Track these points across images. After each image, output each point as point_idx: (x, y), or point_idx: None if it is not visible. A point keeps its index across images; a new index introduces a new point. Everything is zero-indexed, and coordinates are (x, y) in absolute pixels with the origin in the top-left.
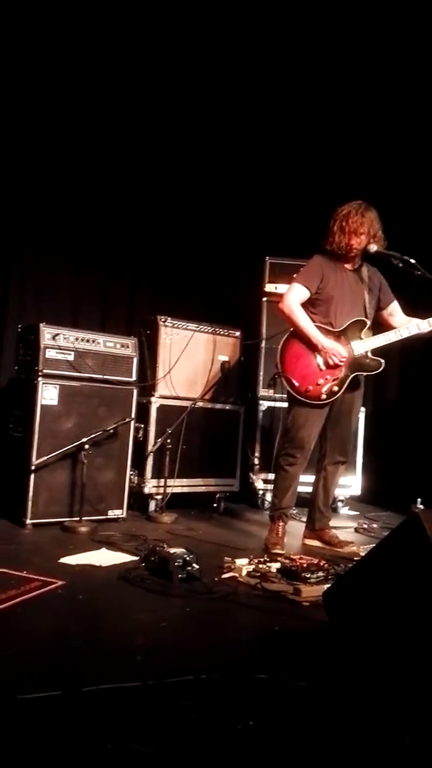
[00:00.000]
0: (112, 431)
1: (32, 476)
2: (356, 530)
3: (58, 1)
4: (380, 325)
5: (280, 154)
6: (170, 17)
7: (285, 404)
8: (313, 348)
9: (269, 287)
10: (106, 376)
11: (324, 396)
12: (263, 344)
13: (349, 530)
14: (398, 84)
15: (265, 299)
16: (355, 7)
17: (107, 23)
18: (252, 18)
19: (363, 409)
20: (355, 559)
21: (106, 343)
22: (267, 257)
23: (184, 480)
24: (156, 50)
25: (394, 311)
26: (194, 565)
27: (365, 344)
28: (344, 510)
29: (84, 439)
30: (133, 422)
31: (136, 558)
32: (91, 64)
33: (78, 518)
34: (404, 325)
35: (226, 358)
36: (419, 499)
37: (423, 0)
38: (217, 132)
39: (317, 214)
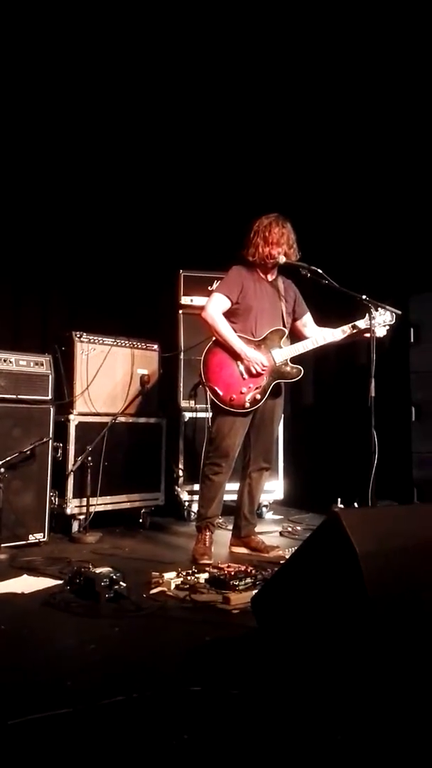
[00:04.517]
0: (28, 452)
1: None
2: (281, 534)
3: None
4: (294, 336)
5: (191, 171)
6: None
7: (206, 415)
8: (236, 357)
9: (185, 299)
10: (19, 396)
11: (248, 404)
12: (182, 356)
13: (274, 534)
14: (301, 97)
15: (181, 311)
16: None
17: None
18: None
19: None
20: (281, 562)
21: (18, 362)
22: (181, 270)
23: (108, 498)
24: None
25: (307, 322)
26: (121, 583)
27: (285, 353)
28: (269, 515)
29: None
30: (51, 442)
31: (60, 582)
32: None
33: None
34: (317, 335)
35: (145, 372)
36: (339, 499)
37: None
38: (129, 149)
39: (226, 229)
